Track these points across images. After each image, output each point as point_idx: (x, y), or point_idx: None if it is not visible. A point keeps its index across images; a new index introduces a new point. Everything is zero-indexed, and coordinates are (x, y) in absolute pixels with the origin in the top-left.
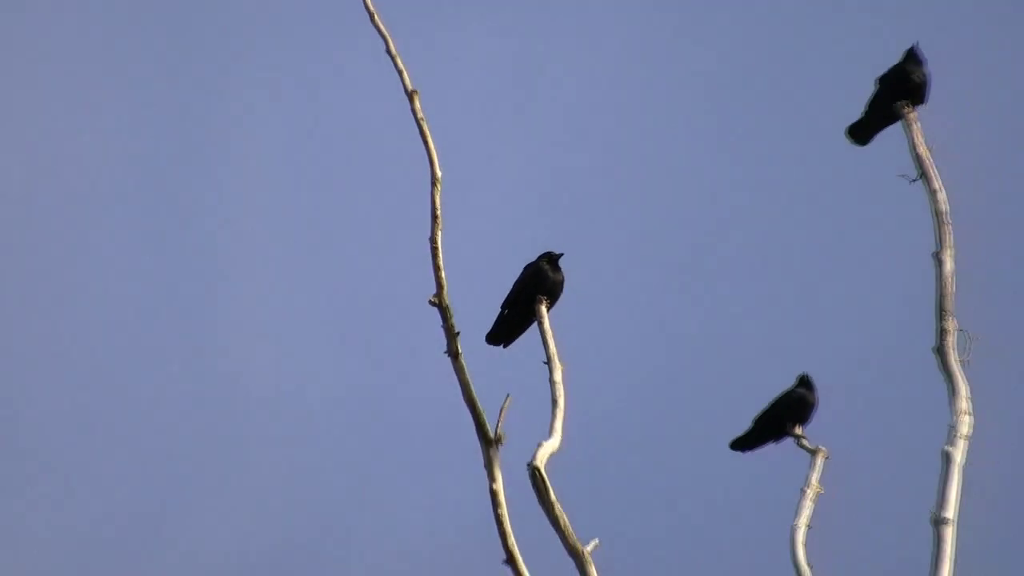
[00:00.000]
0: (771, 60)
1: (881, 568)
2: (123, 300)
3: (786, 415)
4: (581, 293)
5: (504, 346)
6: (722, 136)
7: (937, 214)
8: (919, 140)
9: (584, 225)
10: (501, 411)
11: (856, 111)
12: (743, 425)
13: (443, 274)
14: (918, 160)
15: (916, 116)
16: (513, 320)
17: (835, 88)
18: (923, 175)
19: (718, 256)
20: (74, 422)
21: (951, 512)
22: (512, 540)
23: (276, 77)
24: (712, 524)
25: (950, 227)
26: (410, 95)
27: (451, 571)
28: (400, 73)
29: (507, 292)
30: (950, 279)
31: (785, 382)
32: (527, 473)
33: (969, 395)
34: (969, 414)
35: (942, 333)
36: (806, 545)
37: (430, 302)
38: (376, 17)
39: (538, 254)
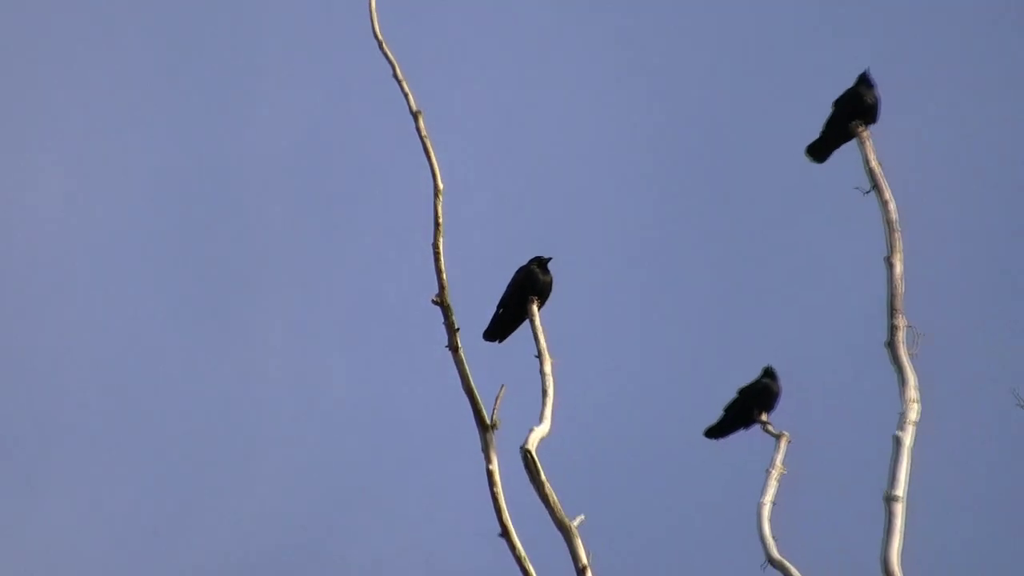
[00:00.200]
0: (743, 91)
1: (838, 540)
2: (124, 303)
3: (753, 403)
4: (568, 293)
5: (499, 341)
6: (700, 154)
7: (888, 222)
8: (871, 156)
9: (571, 232)
10: (496, 400)
11: (814, 131)
12: (715, 414)
13: (444, 276)
14: (871, 174)
15: (869, 134)
16: (507, 318)
17: (795, 112)
18: (875, 187)
19: (693, 262)
20: (75, 422)
21: (901, 490)
22: (507, 515)
23: (292, 94)
24: (687, 501)
25: (899, 234)
26: (415, 115)
27: (452, 558)
28: (406, 95)
29: (502, 293)
30: (900, 281)
31: (751, 373)
32: (520, 455)
33: (917, 385)
34: (917, 402)
35: (893, 329)
36: (771, 520)
37: (433, 301)
38: (384, 45)
39: (529, 258)
